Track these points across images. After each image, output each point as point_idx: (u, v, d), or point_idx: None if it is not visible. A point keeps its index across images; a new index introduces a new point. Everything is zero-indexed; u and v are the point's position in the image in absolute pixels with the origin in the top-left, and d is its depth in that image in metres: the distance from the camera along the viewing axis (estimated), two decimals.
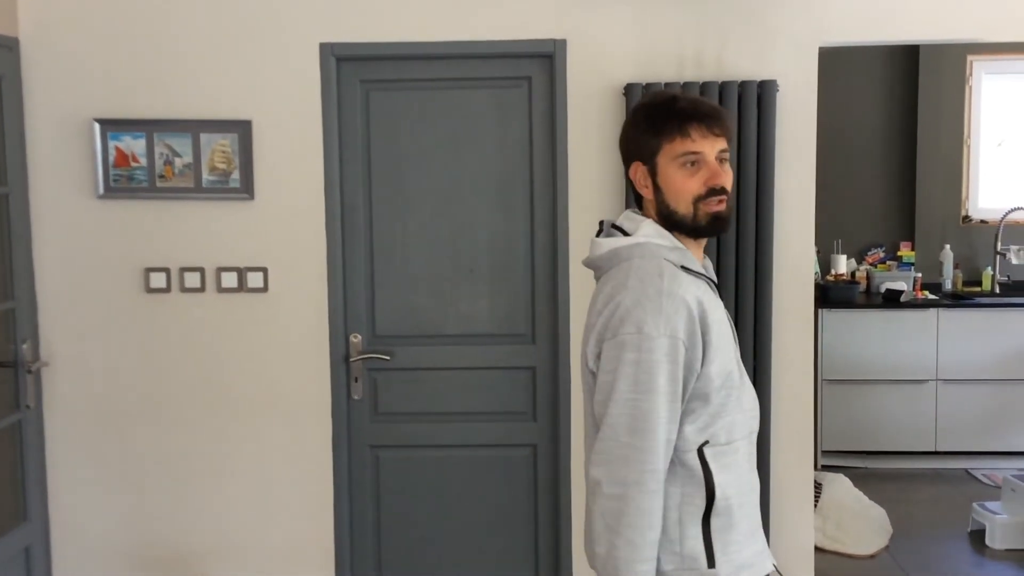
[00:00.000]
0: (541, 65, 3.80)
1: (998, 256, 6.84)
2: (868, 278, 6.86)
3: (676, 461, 2.08)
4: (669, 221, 2.16)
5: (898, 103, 7.04)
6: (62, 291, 3.85)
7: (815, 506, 5.08)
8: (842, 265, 6.82)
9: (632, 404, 2.00)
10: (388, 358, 3.89)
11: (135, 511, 3.93)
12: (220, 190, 3.79)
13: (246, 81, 3.77)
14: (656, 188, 2.15)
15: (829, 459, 6.42)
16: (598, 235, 2.27)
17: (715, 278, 2.26)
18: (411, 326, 3.92)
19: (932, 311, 6.42)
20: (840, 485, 5.42)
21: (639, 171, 2.17)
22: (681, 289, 2.05)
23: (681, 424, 2.07)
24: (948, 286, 6.84)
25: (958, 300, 6.59)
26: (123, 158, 3.77)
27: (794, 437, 3.85)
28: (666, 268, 2.08)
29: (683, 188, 2.12)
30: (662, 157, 2.12)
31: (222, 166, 3.77)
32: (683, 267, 2.11)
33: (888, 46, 6.65)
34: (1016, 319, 6.24)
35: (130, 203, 3.82)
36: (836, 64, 6.37)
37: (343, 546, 3.94)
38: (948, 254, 6.87)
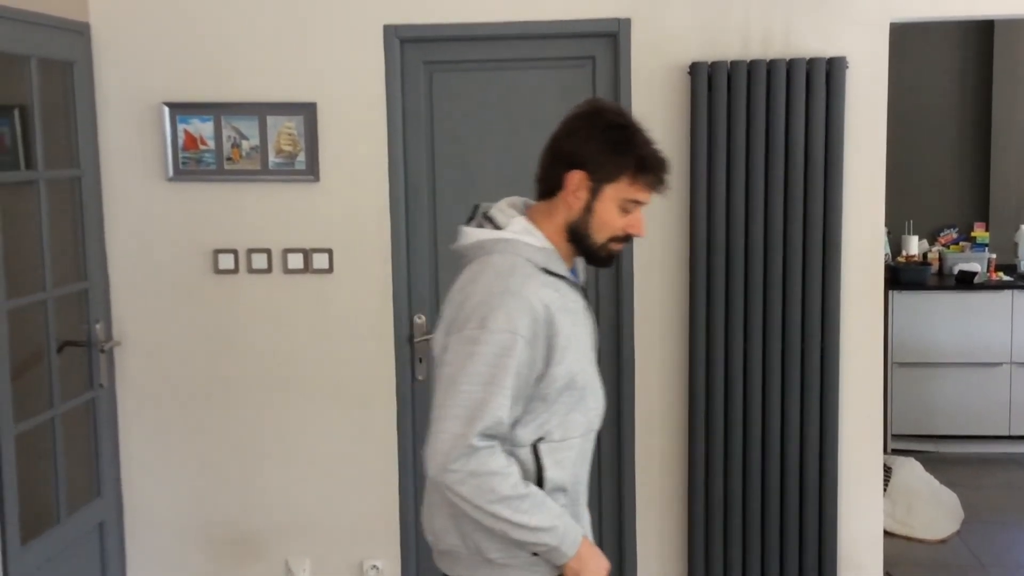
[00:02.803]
0: (605, 44, 3.77)
1: None
2: (940, 259, 6.73)
3: (510, 454, 2.09)
4: (574, 237, 2.15)
5: (972, 80, 6.88)
6: (134, 272, 3.93)
7: (885, 490, 5.02)
8: (914, 246, 6.69)
9: (469, 397, 2.00)
10: None
11: (205, 488, 4.00)
12: (286, 172, 3.82)
13: (311, 64, 3.80)
14: (587, 209, 2.13)
15: (900, 443, 6.32)
16: (468, 221, 2.24)
17: (582, 282, 2.28)
18: None
19: (1007, 293, 6.29)
20: (911, 469, 5.34)
21: (578, 180, 2.11)
22: (528, 290, 2.05)
23: (518, 423, 2.09)
24: (1023, 268, 6.68)
25: None
26: (192, 141, 3.83)
27: (863, 420, 3.79)
28: (519, 267, 2.08)
29: (611, 225, 2.14)
30: (612, 188, 2.11)
31: (288, 148, 3.81)
32: (545, 269, 2.11)
33: (962, 21, 6.50)
34: None
35: (199, 185, 3.87)
36: (908, 40, 6.25)
37: (408, 526, 3.97)
38: (1023, 234, 6.71)
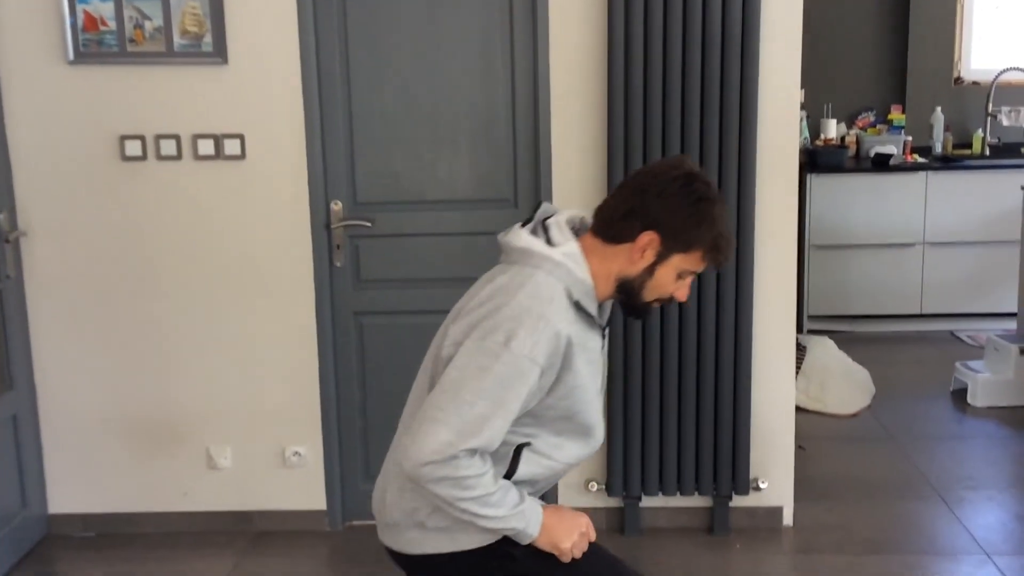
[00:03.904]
0: None
1: (989, 118, 6.78)
2: (858, 142, 6.81)
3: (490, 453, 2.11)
4: (624, 289, 2.14)
5: None
6: (37, 160, 3.80)
7: (799, 368, 5.16)
8: (832, 130, 6.76)
9: (471, 411, 1.98)
10: (369, 225, 3.86)
11: (121, 378, 3.95)
12: (192, 54, 3.70)
13: None
14: (648, 270, 2.11)
15: (816, 324, 6.48)
16: (526, 222, 2.20)
17: (605, 322, 2.25)
18: (392, 192, 3.88)
19: (921, 174, 6.41)
20: (824, 347, 5.47)
21: (649, 241, 2.08)
22: (561, 323, 2.03)
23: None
24: (938, 149, 6.80)
25: (947, 163, 6.57)
26: (92, 22, 3.67)
27: (777, 300, 3.85)
28: (558, 296, 2.05)
29: (664, 288, 2.14)
30: (680, 257, 2.10)
31: (193, 29, 3.67)
32: (578, 303, 2.09)
33: None
34: (1004, 181, 6.21)
35: (101, 69, 3.73)
36: None
37: (329, 412, 3.97)
38: (939, 117, 6.81)
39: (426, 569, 2.23)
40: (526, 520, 2.09)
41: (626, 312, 2.23)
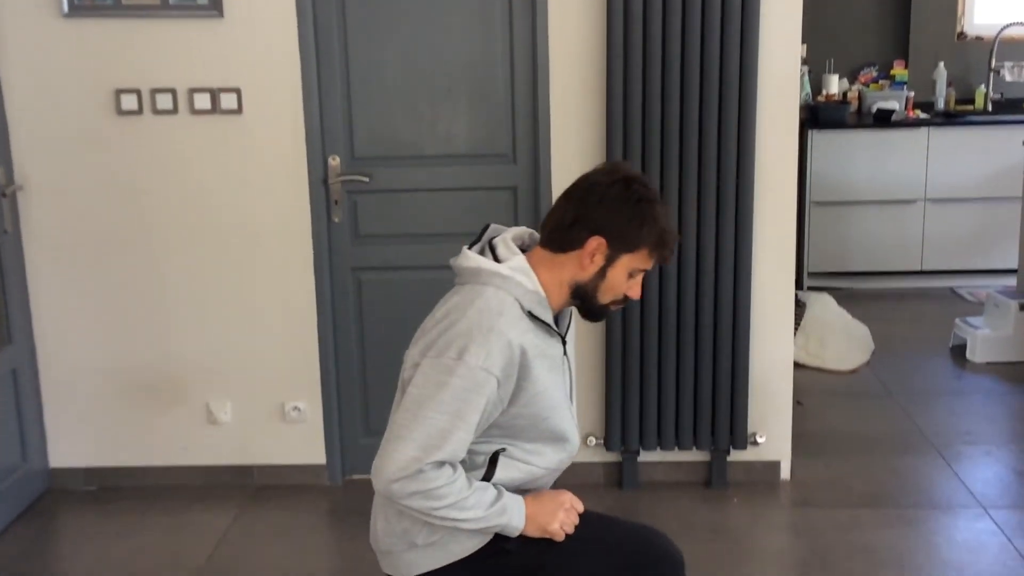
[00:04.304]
0: None
1: (992, 73, 6.73)
2: (860, 98, 6.77)
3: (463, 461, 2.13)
4: (578, 294, 2.19)
5: None
6: (33, 114, 3.78)
7: (798, 325, 5.16)
8: (834, 85, 6.71)
9: (433, 425, 2.02)
10: (367, 180, 3.85)
11: (120, 332, 3.96)
12: (188, 7, 3.66)
13: None
14: (600, 273, 2.17)
15: (816, 280, 6.47)
16: (473, 243, 2.24)
17: (564, 331, 2.28)
18: (390, 147, 3.86)
19: (923, 130, 6.37)
20: (824, 304, 5.48)
21: (597, 246, 2.13)
22: (512, 332, 2.07)
23: (476, 441, 2.12)
24: (941, 105, 6.75)
25: (950, 119, 6.53)
26: None
27: (776, 257, 3.84)
28: (508, 308, 2.09)
29: (617, 289, 2.20)
30: (628, 257, 2.16)
31: None
32: (531, 313, 2.12)
33: None
34: (1007, 137, 6.18)
35: (96, 22, 3.70)
36: None
37: (328, 367, 3.98)
38: (942, 72, 6.76)
39: None
40: (508, 514, 2.13)
41: (585, 316, 2.28)
